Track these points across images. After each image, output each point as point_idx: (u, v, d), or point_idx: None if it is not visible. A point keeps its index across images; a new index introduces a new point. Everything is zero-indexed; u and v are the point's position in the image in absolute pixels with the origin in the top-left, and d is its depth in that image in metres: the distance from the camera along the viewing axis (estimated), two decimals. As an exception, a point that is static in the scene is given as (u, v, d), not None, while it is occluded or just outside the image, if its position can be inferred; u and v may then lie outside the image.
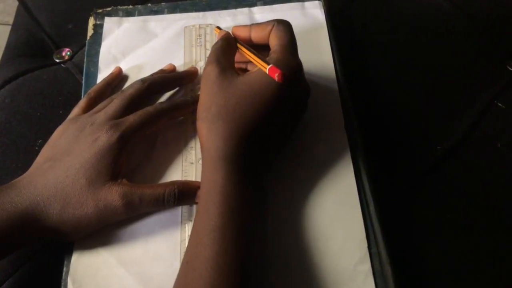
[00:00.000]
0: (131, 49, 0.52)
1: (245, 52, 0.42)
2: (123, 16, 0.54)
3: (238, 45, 0.43)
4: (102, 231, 0.40)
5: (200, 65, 0.49)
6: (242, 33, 0.44)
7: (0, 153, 0.48)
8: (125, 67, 0.50)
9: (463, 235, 0.43)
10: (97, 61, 0.51)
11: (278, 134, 0.41)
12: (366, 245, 0.39)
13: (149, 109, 0.42)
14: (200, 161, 0.42)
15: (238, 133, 0.37)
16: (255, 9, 0.54)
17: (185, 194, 0.39)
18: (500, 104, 0.51)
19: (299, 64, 0.41)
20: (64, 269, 0.39)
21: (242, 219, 0.35)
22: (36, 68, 0.55)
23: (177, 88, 0.48)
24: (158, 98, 0.47)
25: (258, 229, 0.39)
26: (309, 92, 0.43)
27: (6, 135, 0.49)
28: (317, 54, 0.50)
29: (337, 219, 0.40)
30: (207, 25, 0.53)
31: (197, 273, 0.33)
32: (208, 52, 0.43)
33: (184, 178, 0.43)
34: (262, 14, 0.54)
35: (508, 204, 0.45)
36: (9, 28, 0.61)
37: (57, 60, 0.56)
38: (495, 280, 0.41)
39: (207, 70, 0.40)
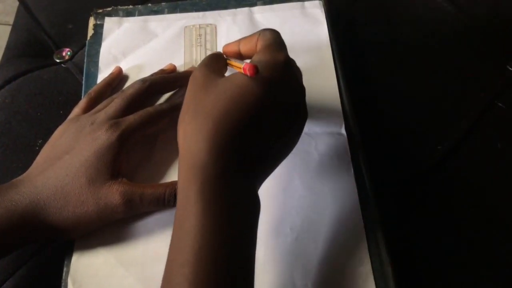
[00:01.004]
0: (132, 49, 0.52)
1: (230, 64, 0.40)
2: (123, 16, 0.54)
3: (227, 61, 0.41)
4: (103, 231, 0.40)
5: (201, 65, 0.49)
6: (231, 49, 0.41)
7: (0, 153, 0.48)
8: (125, 67, 0.50)
9: (463, 235, 0.43)
10: (97, 61, 0.51)
11: (268, 138, 0.34)
12: (366, 245, 0.39)
13: (149, 109, 0.42)
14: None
15: (217, 132, 0.32)
16: (255, 9, 0.54)
17: (185, 194, 0.38)
18: (500, 104, 0.50)
19: (286, 59, 0.36)
20: (65, 269, 0.39)
21: (221, 241, 0.30)
22: (36, 68, 0.55)
23: (177, 89, 0.48)
24: (159, 98, 0.47)
25: (243, 250, 0.32)
26: (303, 92, 0.37)
27: (6, 135, 0.49)
28: (317, 54, 0.49)
29: (337, 219, 0.40)
30: (207, 25, 0.53)
31: None
32: (209, 52, 0.43)
33: (184, 178, 0.42)
34: (262, 13, 0.53)
35: (509, 204, 0.45)
36: (9, 28, 0.61)
37: (58, 60, 0.56)
38: (495, 280, 0.41)
39: (193, 75, 0.37)
